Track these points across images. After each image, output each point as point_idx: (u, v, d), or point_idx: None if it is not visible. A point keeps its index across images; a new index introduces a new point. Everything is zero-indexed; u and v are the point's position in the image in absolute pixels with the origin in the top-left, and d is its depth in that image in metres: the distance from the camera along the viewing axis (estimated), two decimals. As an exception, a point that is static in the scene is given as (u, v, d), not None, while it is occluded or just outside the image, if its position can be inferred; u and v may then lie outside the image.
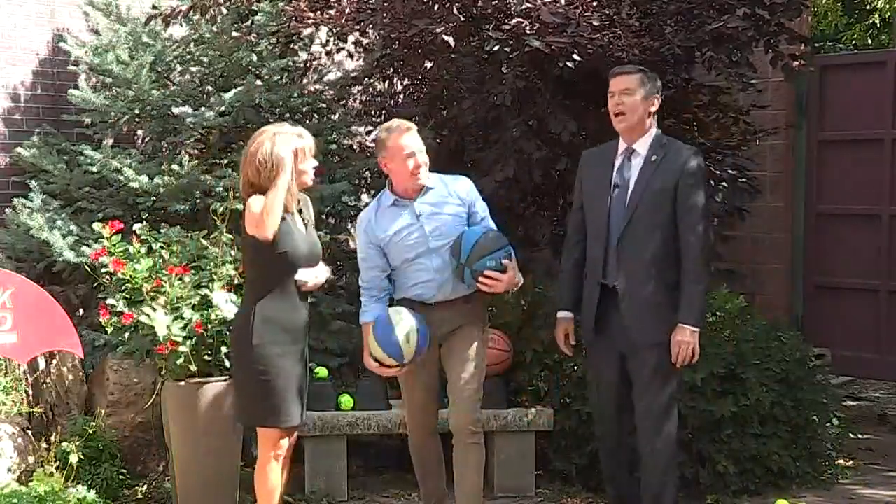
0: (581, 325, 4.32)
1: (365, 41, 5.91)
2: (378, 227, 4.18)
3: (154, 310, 4.48)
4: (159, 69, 5.83)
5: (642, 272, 4.06)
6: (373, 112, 6.23)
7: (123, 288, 4.64)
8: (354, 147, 6.36)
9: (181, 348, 4.48)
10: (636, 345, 4.08)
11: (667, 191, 4.03)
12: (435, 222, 4.15)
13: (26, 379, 5.12)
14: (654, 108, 4.11)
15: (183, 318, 4.51)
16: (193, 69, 5.92)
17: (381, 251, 4.18)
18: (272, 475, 4.09)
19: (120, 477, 4.98)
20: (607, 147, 4.23)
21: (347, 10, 5.31)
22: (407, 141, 4.11)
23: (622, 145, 4.16)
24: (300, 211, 4.08)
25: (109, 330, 4.65)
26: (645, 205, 4.04)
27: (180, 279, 4.61)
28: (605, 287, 4.14)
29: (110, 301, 4.64)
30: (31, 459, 4.91)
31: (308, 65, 6.20)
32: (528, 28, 4.78)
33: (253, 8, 5.86)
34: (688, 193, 4.02)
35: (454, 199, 4.21)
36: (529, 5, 4.81)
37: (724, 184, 5.89)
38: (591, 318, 4.20)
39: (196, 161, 5.52)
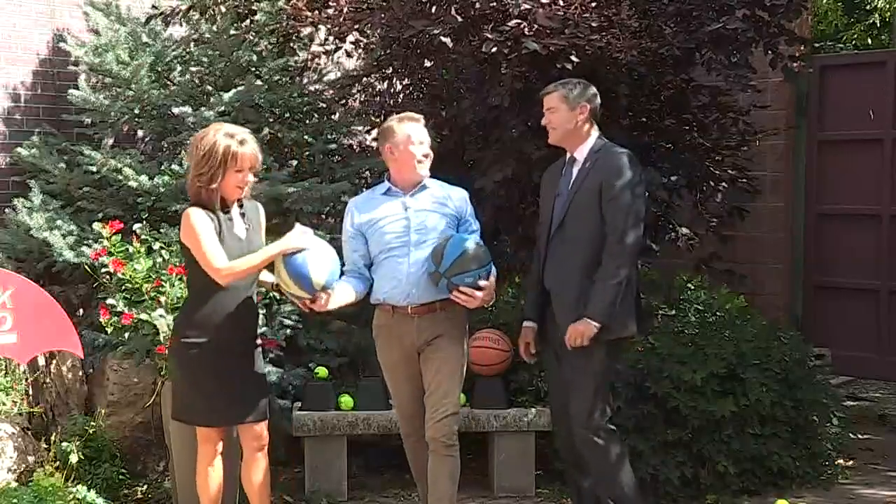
0: None
1: (364, 41, 5.90)
2: (364, 210, 4.19)
3: (161, 305, 4.49)
4: (159, 69, 5.83)
5: (570, 273, 4.11)
6: (372, 112, 6.22)
7: (123, 288, 4.65)
8: (354, 147, 6.37)
9: (181, 348, 4.48)
10: (563, 345, 4.12)
11: (592, 191, 4.08)
12: (422, 217, 4.14)
13: (26, 379, 5.12)
14: (583, 116, 4.16)
15: (183, 319, 4.52)
16: (193, 69, 5.92)
17: (363, 237, 4.17)
18: (203, 478, 4.07)
19: (120, 477, 4.98)
20: (560, 160, 4.33)
21: (345, 10, 5.31)
22: (416, 130, 4.16)
23: (568, 155, 4.26)
24: (243, 215, 4.04)
25: (109, 330, 4.66)
26: (574, 208, 4.12)
27: (180, 279, 4.61)
28: (545, 290, 4.22)
29: (110, 301, 4.64)
30: (31, 459, 4.92)
31: (307, 64, 6.20)
32: (526, 30, 4.78)
33: (252, 7, 5.86)
34: (610, 193, 4.04)
35: (448, 203, 4.20)
36: (527, 6, 4.80)
37: (723, 184, 5.89)
38: (540, 322, 4.29)
39: (196, 161, 5.52)
